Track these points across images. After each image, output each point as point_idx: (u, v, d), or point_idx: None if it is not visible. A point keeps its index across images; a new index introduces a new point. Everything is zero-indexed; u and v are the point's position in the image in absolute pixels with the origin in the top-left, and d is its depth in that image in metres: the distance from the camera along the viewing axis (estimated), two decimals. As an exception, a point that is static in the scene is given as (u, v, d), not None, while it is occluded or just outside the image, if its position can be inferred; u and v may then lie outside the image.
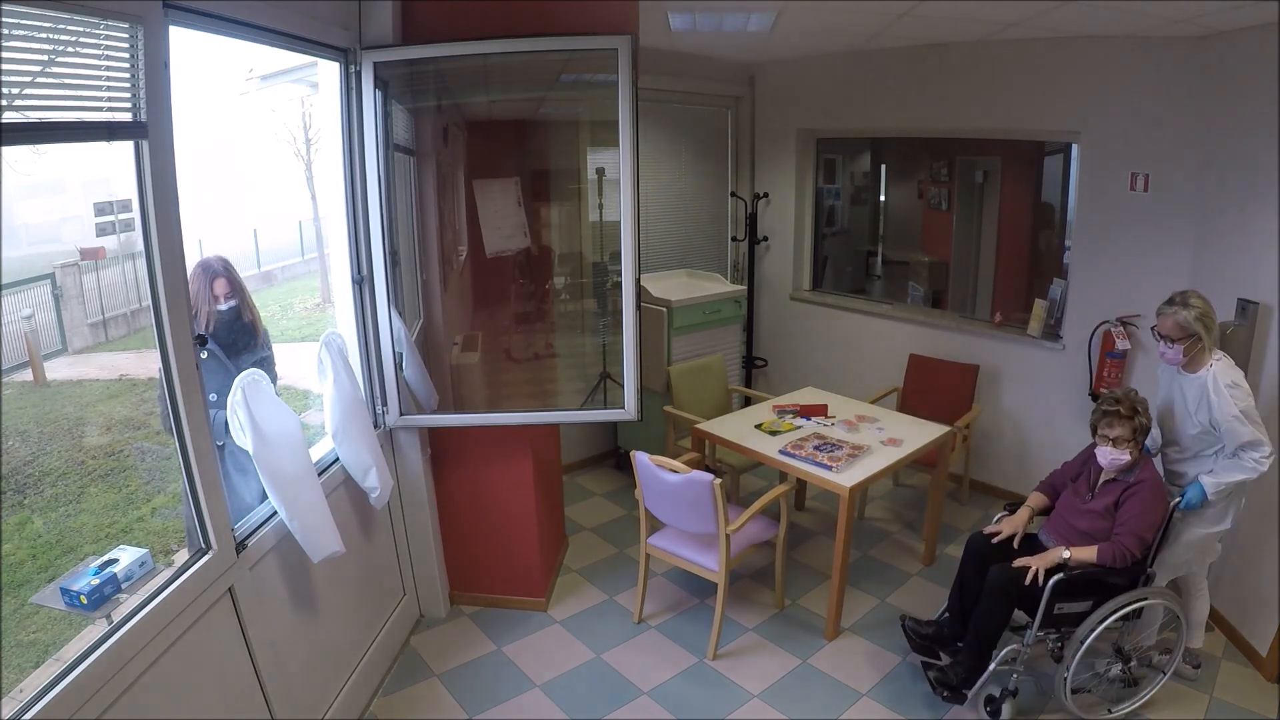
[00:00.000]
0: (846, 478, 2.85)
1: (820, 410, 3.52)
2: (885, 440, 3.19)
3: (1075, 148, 3.66)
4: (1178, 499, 2.45)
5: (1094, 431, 2.46)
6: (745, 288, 4.81)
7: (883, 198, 5.89)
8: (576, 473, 4.42)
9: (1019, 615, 2.50)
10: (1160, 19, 2.90)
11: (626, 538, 3.69)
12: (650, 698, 2.66)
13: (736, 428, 3.36)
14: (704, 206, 4.98)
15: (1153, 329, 2.47)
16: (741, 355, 4.80)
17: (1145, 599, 2.45)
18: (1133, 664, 2.58)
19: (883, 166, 5.81)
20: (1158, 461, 2.61)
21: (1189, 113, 3.16)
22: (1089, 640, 2.38)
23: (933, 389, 4.04)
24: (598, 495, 4.21)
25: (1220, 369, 2.37)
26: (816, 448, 3.07)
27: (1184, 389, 2.46)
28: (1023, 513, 2.65)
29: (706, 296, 4.23)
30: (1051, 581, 2.36)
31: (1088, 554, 2.39)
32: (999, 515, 2.69)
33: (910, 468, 3.55)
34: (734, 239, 5.06)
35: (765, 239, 5.00)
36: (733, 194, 4.98)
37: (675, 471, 2.71)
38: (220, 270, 2.25)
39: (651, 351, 3.93)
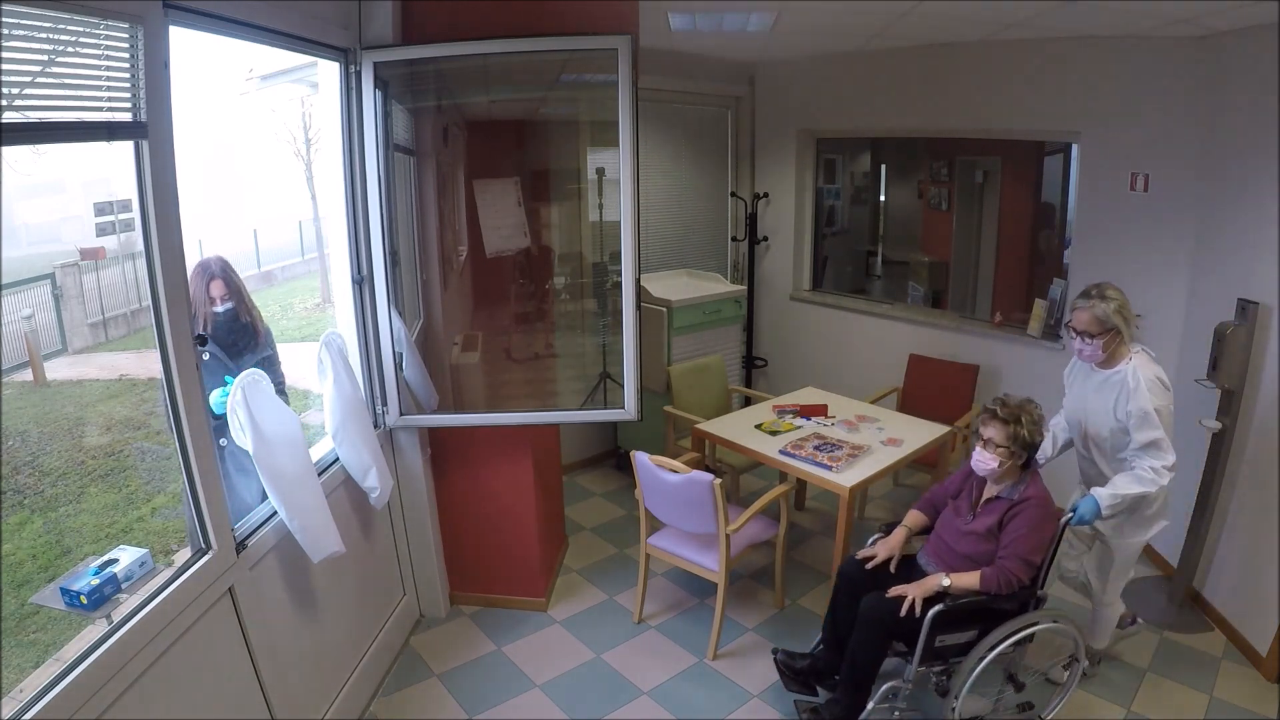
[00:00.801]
0: (846, 478, 2.85)
1: (820, 410, 3.52)
2: (885, 440, 3.19)
3: (1075, 148, 3.66)
4: (1070, 514, 2.31)
5: (977, 424, 2.32)
6: (745, 288, 4.81)
7: (883, 198, 5.89)
8: (576, 473, 4.42)
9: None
10: (1160, 19, 2.90)
11: (626, 538, 3.69)
12: (650, 698, 2.66)
13: (736, 428, 3.36)
14: (704, 206, 4.98)
15: (1066, 325, 2.37)
16: (741, 355, 4.80)
17: (1036, 624, 2.26)
18: (1026, 687, 2.41)
19: (883, 166, 5.82)
20: (1060, 475, 2.50)
21: (1189, 113, 3.16)
22: (976, 672, 2.19)
23: (933, 389, 4.04)
24: (598, 495, 4.21)
25: (1141, 362, 2.28)
26: (816, 448, 3.07)
27: (1101, 386, 2.36)
28: (899, 534, 2.46)
29: (706, 296, 4.23)
30: (930, 614, 2.15)
31: (969, 580, 2.20)
32: (874, 537, 2.52)
33: (910, 468, 3.54)
34: (734, 239, 5.06)
35: (765, 239, 5.00)
36: (733, 194, 4.98)
37: (675, 471, 2.71)
38: (217, 272, 2.24)
39: (651, 351, 3.93)
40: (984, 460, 2.23)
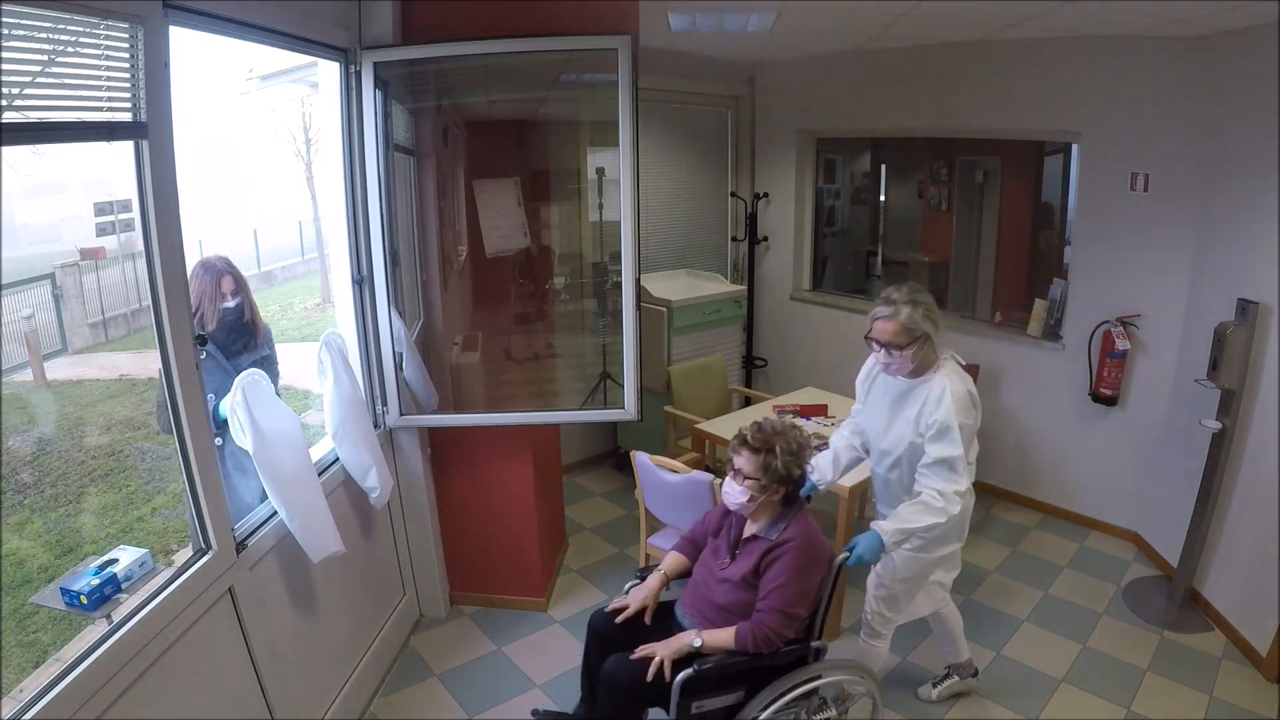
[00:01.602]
0: (847, 477, 2.84)
1: (820, 410, 3.52)
2: (885, 440, 3.18)
3: (1075, 148, 3.66)
4: (845, 554, 2.04)
5: (730, 451, 2.03)
6: (745, 288, 4.81)
7: (883, 198, 5.89)
8: (576, 473, 4.42)
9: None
10: (1160, 19, 2.90)
11: (626, 538, 3.69)
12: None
13: (736, 428, 3.34)
14: (704, 206, 4.98)
15: (867, 338, 2.07)
16: (741, 355, 4.80)
17: (818, 677, 2.00)
18: None
19: (883, 166, 5.81)
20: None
21: (1189, 113, 3.16)
22: None
23: (933, 389, 4.03)
24: (598, 495, 4.21)
25: (951, 371, 2.06)
26: (816, 447, 3.06)
27: (904, 397, 2.10)
28: (654, 580, 2.13)
29: (706, 296, 4.23)
30: (679, 680, 1.84)
31: (723, 638, 1.90)
32: (629, 583, 2.20)
33: (910, 468, 3.54)
34: (734, 239, 5.06)
35: (765, 239, 5.00)
36: (733, 194, 4.98)
37: (675, 471, 2.71)
38: (225, 268, 2.24)
39: (651, 351, 3.93)
40: (733, 492, 1.96)
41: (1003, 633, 2.98)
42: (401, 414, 2.76)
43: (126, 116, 1.57)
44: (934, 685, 2.60)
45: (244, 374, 1.99)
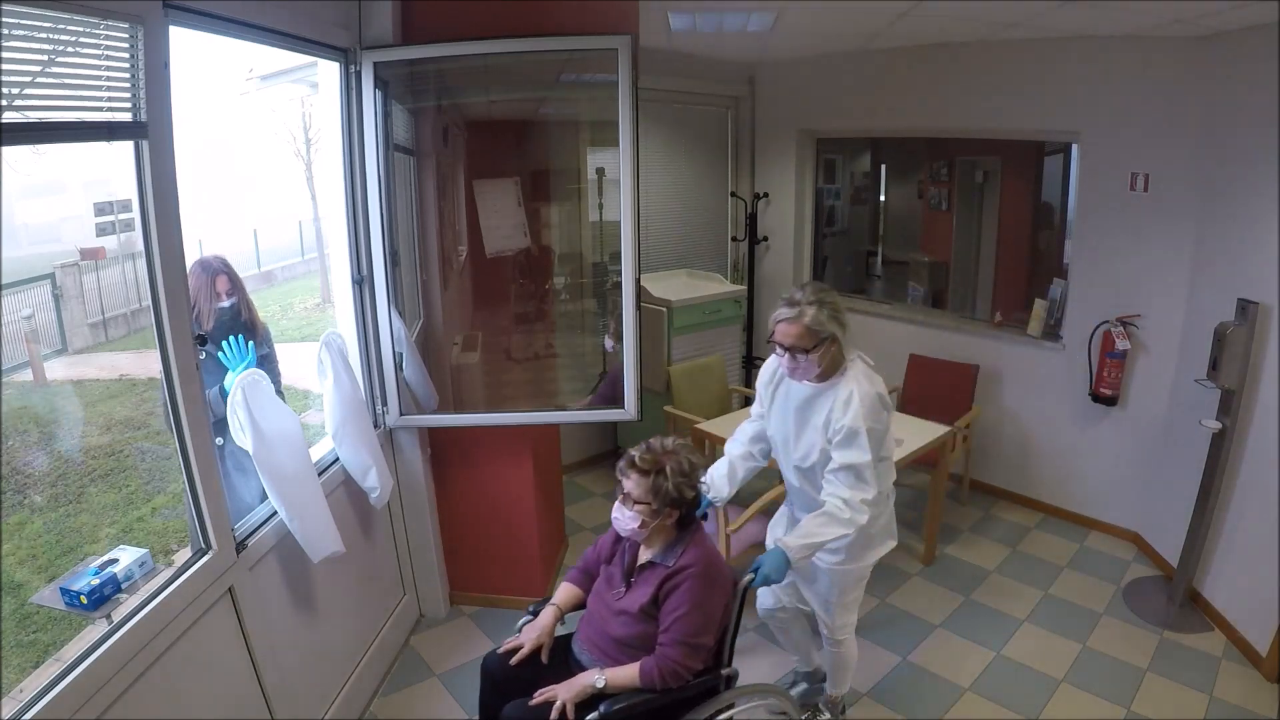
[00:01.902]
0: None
1: (820, 410, 3.52)
2: (885, 440, 3.18)
3: (1075, 148, 3.66)
4: (750, 575, 1.89)
5: (618, 474, 1.87)
6: (745, 288, 4.81)
7: (883, 198, 5.89)
8: (576, 473, 4.42)
9: None
10: (1160, 19, 2.90)
11: (626, 538, 3.69)
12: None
13: (736, 428, 3.35)
14: (704, 206, 4.98)
15: (770, 341, 1.95)
16: (741, 355, 4.80)
17: (732, 705, 1.92)
18: None
19: (883, 166, 5.81)
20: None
21: (1189, 113, 3.16)
22: None
23: (933, 389, 4.04)
24: (598, 495, 4.21)
25: (860, 373, 1.95)
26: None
27: (812, 401, 1.99)
28: (547, 616, 1.98)
29: (706, 296, 4.23)
30: None
31: (628, 676, 1.78)
32: (522, 620, 2.03)
33: (910, 468, 3.54)
34: (734, 239, 5.06)
35: (765, 239, 5.00)
36: (733, 194, 4.98)
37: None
38: (221, 267, 2.25)
39: (651, 351, 3.93)
40: (623, 519, 1.83)
41: (1003, 633, 2.98)
42: (401, 414, 2.76)
43: (126, 116, 1.57)
44: None
45: (244, 374, 1.99)
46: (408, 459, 2.89)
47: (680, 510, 1.83)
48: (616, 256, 2.79)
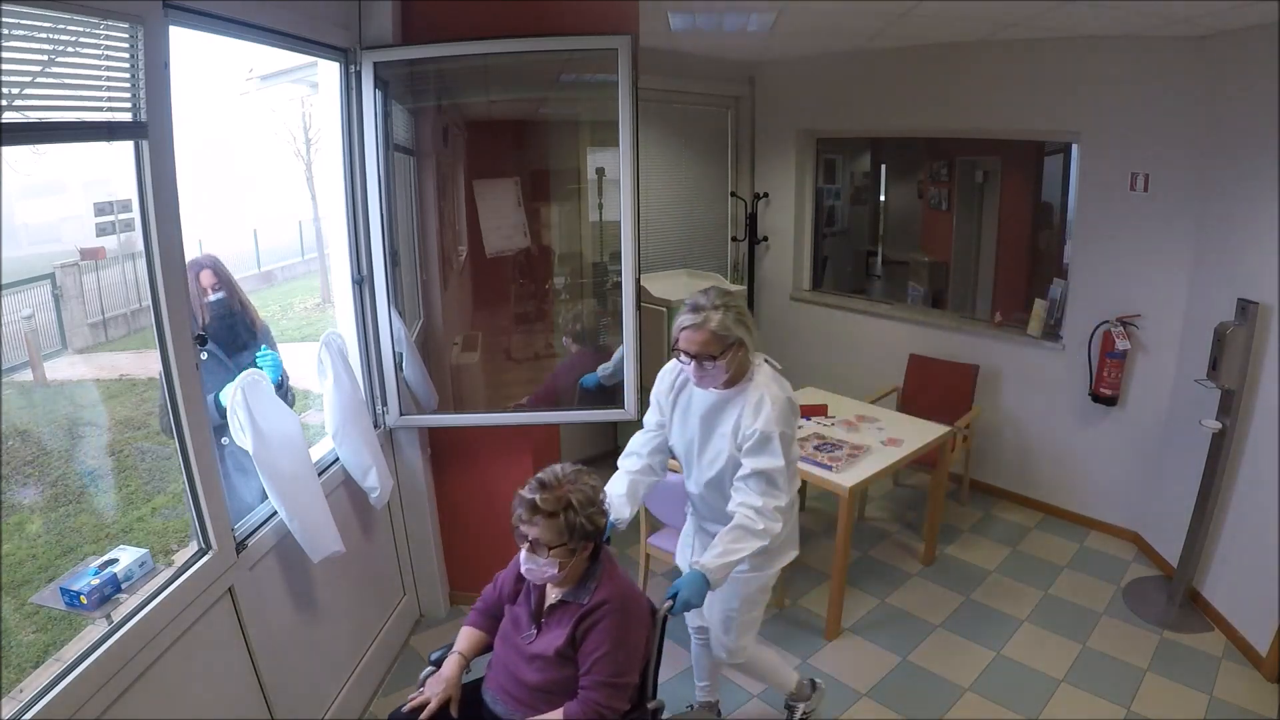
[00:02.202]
0: (846, 478, 2.85)
1: (820, 410, 3.52)
2: (885, 440, 3.19)
3: (1075, 148, 3.66)
4: (669, 602, 1.79)
5: (515, 520, 1.69)
6: (745, 288, 4.81)
7: (883, 198, 5.89)
8: (576, 473, 4.41)
9: None
10: (1160, 19, 2.90)
11: (626, 538, 3.68)
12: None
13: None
14: (704, 206, 4.98)
15: (676, 351, 1.86)
16: (741, 355, 4.79)
17: None
18: None
19: (883, 166, 5.82)
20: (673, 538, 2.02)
21: (1189, 113, 3.16)
22: None
23: (933, 389, 4.04)
24: (598, 495, 4.20)
25: (769, 377, 1.89)
26: (816, 448, 3.07)
27: (721, 408, 1.91)
28: (452, 666, 1.83)
29: (706, 296, 4.21)
30: None
31: None
32: (424, 672, 1.88)
33: (910, 468, 3.55)
34: (734, 239, 5.06)
35: (765, 239, 5.00)
36: (733, 194, 4.98)
37: (675, 471, 2.71)
38: (205, 263, 2.24)
39: (651, 351, 3.93)
40: (538, 569, 1.66)
41: (1003, 633, 2.98)
42: (401, 414, 2.76)
43: (126, 116, 1.57)
44: None
45: (244, 374, 1.99)
46: (408, 459, 2.89)
47: (594, 542, 1.70)
48: (616, 256, 2.79)
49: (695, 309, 1.82)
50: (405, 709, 1.79)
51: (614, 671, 1.67)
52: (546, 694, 1.70)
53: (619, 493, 1.98)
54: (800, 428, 3.32)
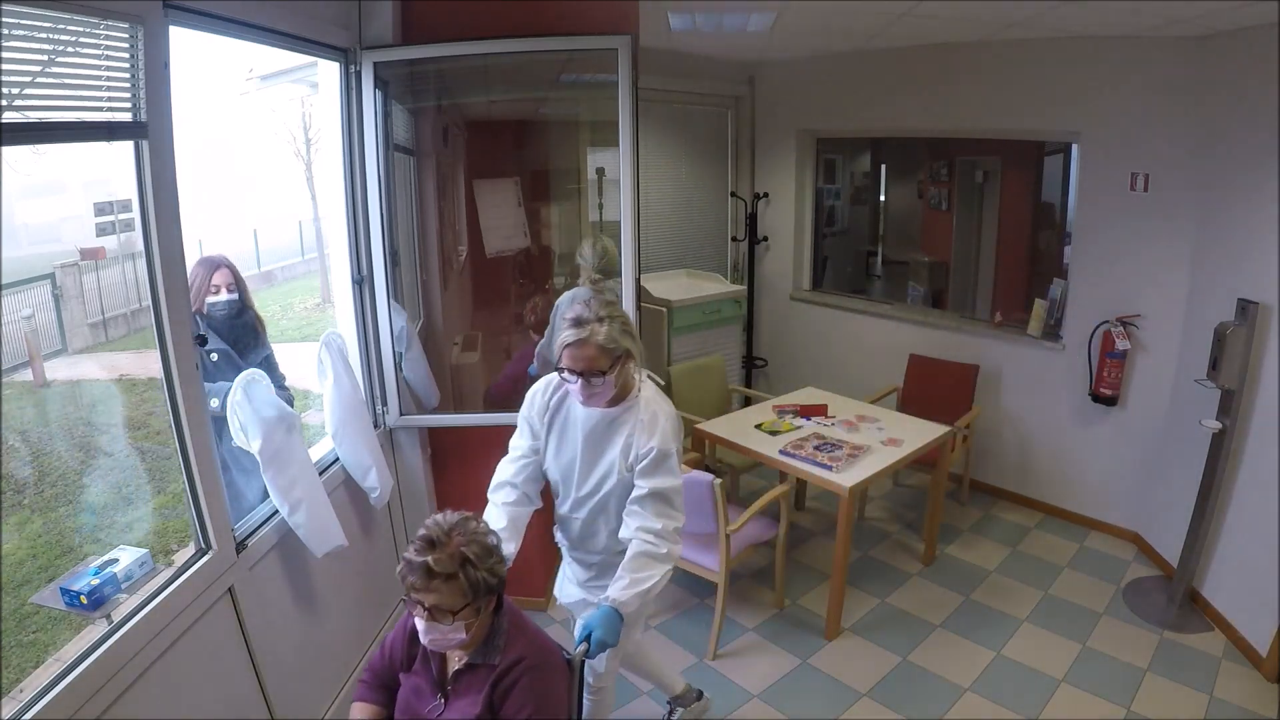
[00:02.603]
0: (846, 478, 2.85)
1: (820, 410, 3.52)
2: (885, 440, 3.19)
3: (1075, 148, 3.66)
4: (583, 646, 1.66)
5: (405, 589, 1.48)
6: (745, 288, 4.81)
7: (883, 198, 5.90)
8: (576, 473, 4.41)
9: None
10: (1160, 19, 2.90)
11: (626, 538, 3.69)
12: (650, 698, 2.66)
13: (736, 428, 3.36)
14: (704, 206, 4.98)
15: (560, 370, 1.74)
16: (741, 355, 4.80)
17: None
18: None
19: (883, 166, 5.82)
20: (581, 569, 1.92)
21: (1189, 113, 3.16)
22: None
23: (933, 389, 4.04)
24: (598, 495, 4.20)
25: (654, 393, 1.83)
26: (816, 448, 3.07)
27: (609, 429, 1.80)
28: None
29: (706, 296, 4.23)
30: None
31: None
32: None
33: (910, 468, 3.54)
34: (734, 239, 5.06)
35: (765, 239, 5.00)
36: (733, 194, 4.98)
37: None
38: (222, 261, 2.23)
39: (651, 351, 3.93)
40: (443, 637, 1.46)
41: (1003, 633, 2.98)
42: (401, 414, 2.76)
43: (126, 116, 1.57)
44: None
45: (244, 374, 1.99)
46: (408, 459, 2.89)
47: (497, 594, 1.51)
48: (616, 256, 2.79)
49: (578, 323, 1.69)
50: None
51: None
52: None
53: (504, 532, 1.82)
54: (800, 428, 3.33)
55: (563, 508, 1.95)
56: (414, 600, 1.45)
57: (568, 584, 2.09)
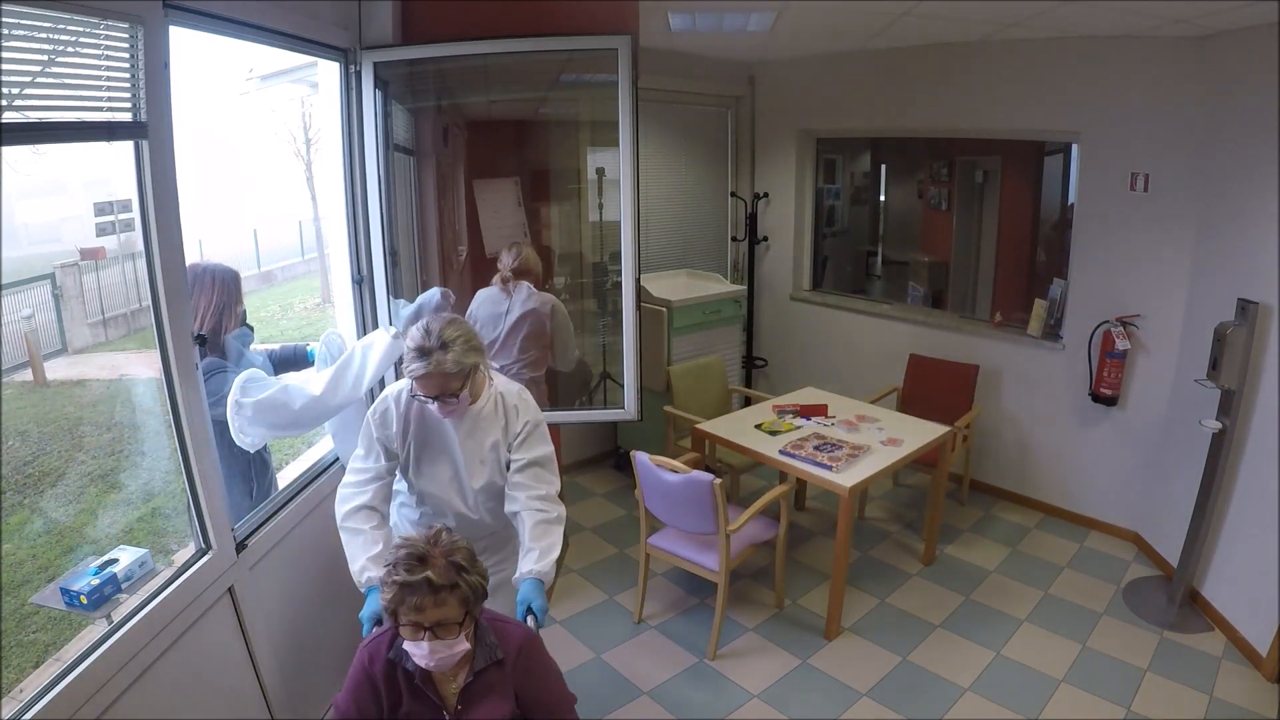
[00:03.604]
0: (846, 478, 2.85)
1: (820, 410, 3.52)
2: (885, 440, 3.19)
3: (1075, 148, 3.66)
4: (534, 622, 1.73)
5: (393, 616, 1.45)
6: (745, 288, 4.81)
7: (883, 198, 5.89)
8: (576, 473, 4.42)
9: None
10: (1160, 19, 2.90)
11: (626, 538, 3.69)
12: (650, 698, 2.66)
13: (736, 428, 3.36)
14: (704, 206, 4.98)
15: (413, 396, 1.80)
16: (741, 355, 4.80)
17: None
18: None
19: (883, 166, 5.81)
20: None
21: (1189, 113, 3.16)
22: None
23: (933, 389, 4.04)
24: (598, 495, 4.21)
25: (503, 380, 1.94)
26: (816, 448, 3.07)
27: (478, 426, 1.87)
28: None
29: (706, 296, 4.23)
30: None
31: None
32: None
33: (910, 468, 3.55)
34: (734, 239, 5.06)
35: (765, 239, 5.00)
36: (733, 194, 4.98)
37: (675, 471, 2.71)
38: (237, 274, 2.21)
39: (651, 351, 3.93)
40: (447, 652, 1.44)
41: (1003, 633, 2.98)
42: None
43: (126, 116, 1.57)
44: None
45: (243, 374, 1.99)
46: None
47: (478, 603, 1.50)
48: (616, 256, 2.80)
49: (422, 354, 1.71)
50: None
51: (566, 694, 1.66)
52: None
53: (372, 555, 1.77)
54: (800, 428, 3.33)
55: (460, 506, 1.94)
56: (412, 624, 1.42)
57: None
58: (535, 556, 1.78)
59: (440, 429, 1.88)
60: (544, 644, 1.66)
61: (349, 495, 1.87)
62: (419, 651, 1.44)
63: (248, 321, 2.30)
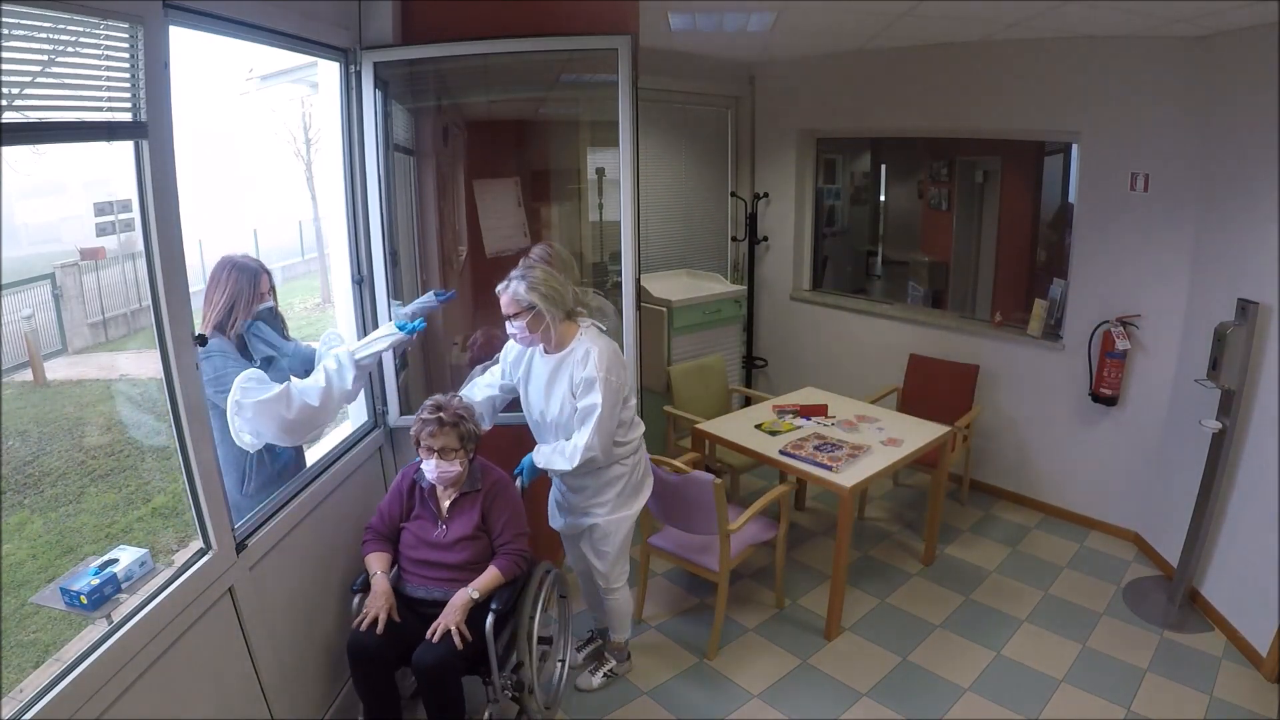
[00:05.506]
0: (846, 478, 2.85)
1: (820, 410, 3.52)
2: (885, 440, 3.19)
3: (1075, 148, 3.66)
4: (518, 476, 2.45)
5: (416, 444, 2.21)
6: (745, 288, 4.81)
7: (883, 198, 5.89)
8: (576, 473, 4.41)
9: None
10: (1160, 19, 2.90)
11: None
12: (650, 698, 2.66)
13: (736, 428, 3.36)
14: (704, 206, 4.98)
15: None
16: (741, 355, 4.80)
17: (549, 572, 2.45)
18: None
19: (883, 166, 5.81)
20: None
21: (1189, 113, 3.16)
22: (533, 637, 2.28)
23: (933, 389, 4.04)
24: (598, 495, 4.21)
25: (594, 336, 2.27)
26: (816, 448, 3.07)
27: (557, 370, 2.29)
28: (380, 582, 2.18)
29: (706, 296, 4.23)
30: (489, 625, 2.11)
31: (491, 579, 2.18)
32: (357, 599, 2.23)
33: (910, 468, 3.55)
34: (734, 239, 5.06)
35: (765, 239, 5.00)
36: (733, 194, 4.98)
37: (675, 471, 2.71)
38: (260, 267, 2.20)
39: (651, 351, 3.93)
40: (446, 469, 2.18)
41: (1003, 633, 2.98)
42: (401, 414, 2.76)
43: (126, 116, 1.57)
44: (593, 674, 2.71)
45: (242, 375, 1.99)
46: (408, 459, 2.88)
47: (471, 446, 2.23)
48: (616, 256, 2.79)
49: (506, 280, 2.19)
50: (363, 627, 2.10)
51: (522, 525, 2.29)
52: (470, 565, 2.22)
53: (478, 400, 2.41)
54: (800, 428, 3.33)
55: (536, 431, 2.45)
56: (426, 447, 2.18)
57: (558, 513, 2.59)
58: (544, 452, 2.36)
59: (538, 370, 2.33)
60: (511, 488, 2.33)
61: (476, 381, 2.52)
62: (428, 467, 2.20)
63: (278, 313, 2.30)
